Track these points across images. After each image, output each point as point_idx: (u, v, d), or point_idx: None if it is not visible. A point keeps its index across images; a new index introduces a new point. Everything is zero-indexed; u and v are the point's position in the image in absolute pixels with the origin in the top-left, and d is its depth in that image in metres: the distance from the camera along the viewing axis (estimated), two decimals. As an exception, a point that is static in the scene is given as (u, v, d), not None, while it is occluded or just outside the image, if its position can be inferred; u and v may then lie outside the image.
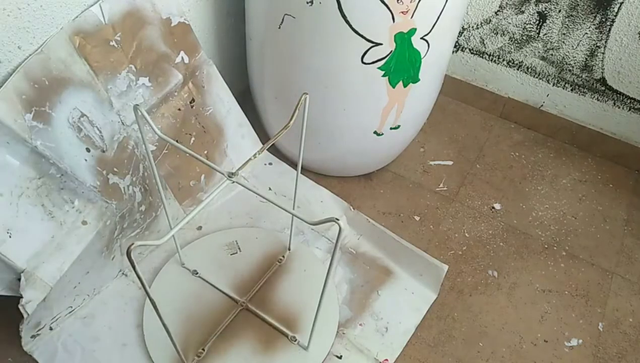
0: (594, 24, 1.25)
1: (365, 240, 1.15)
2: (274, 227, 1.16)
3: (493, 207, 1.29)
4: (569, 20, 1.28)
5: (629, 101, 1.34)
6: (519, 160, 1.42)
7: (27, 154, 0.82)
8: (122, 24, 0.91)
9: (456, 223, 1.24)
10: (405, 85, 1.03)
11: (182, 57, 1.03)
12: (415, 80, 1.04)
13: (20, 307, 0.85)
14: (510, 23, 1.37)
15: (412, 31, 0.94)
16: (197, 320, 0.98)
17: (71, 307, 0.97)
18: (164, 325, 0.72)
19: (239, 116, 1.21)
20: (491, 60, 1.46)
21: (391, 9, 0.88)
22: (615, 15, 1.21)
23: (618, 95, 1.34)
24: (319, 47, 0.97)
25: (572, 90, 1.40)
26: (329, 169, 1.29)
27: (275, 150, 1.32)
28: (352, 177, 1.32)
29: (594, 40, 1.28)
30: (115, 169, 0.95)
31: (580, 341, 1.05)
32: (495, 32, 1.40)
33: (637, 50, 1.24)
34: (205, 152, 1.15)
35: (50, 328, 0.95)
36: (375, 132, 1.13)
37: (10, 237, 0.81)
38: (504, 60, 1.44)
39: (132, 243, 0.56)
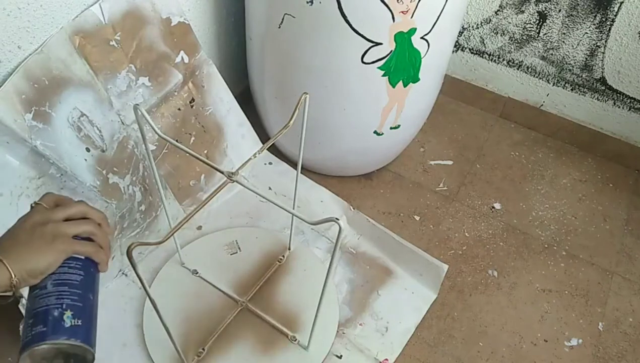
0: (594, 24, 1.25)
1: (365, 240, 1.15)
2: (274, 226, 1.16)
3: (493, 207, 1.29)
4: (569, 20, 1.28)
5: (629, 101, 1.34)
6: (519, 160, 1.42)
7: (26, 153, 0.82)
8: (122, 24, 0.91)
9: (456, 223, 1.24)
10: (405, 85, 1.03)
11: (182, 57, 1.03)
12: (415, 80, 1.04)
13: (20, 307, 0.85)
14: (510, 23, 1.37)
15: (412, 31, 0.94)
16: (197, 320, 0.98)
17: (71, 306, 0.97)
18: (164, 325, 0.72)
19: (239, 116, 1.21)
20: (491, 60, 1.46)
21: (391, 8, 0.88)
22: (615, 15, 1.21)
23: (618, 94, 1.34)
24: (319, 47, 0.97)
25: (572, 89, 1.40)
26: (329, 169, 1.29)
27: (275, 150, 1.32)
28: (352, 177, 1.32)
29: (594, 39, 1.28)
30: (115, 169, 0.95)
31: (580, 341, 1.05)
32: (495, 31, 1.40)
33: (637, 50, 1.24)
34: (205, 151, 1.15)
35: (50, 328, 0.94)
36: (375, 132, 1.13)
37: (10, 236, 0.81)
38: (504, 60, 1.44)
39: (132, 243, 0.56)
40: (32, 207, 0.51)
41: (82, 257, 0.50)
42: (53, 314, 0.45)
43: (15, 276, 0.42)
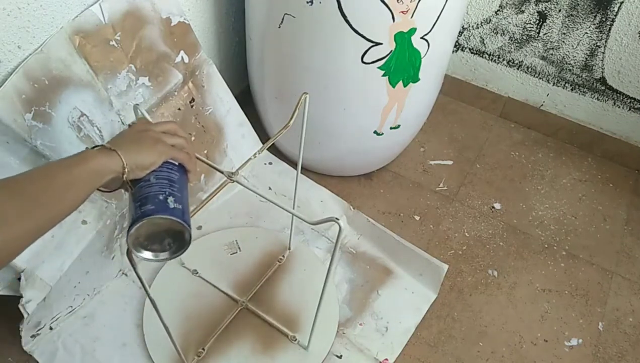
0: (594, 24, 1.25)
1: (365, 239, 1.15)
2: (274, 226, 1.16)
3: (493, 207, 1.29)
4: (569, 20, 1.28)
5: (629, 101, 1.34)
6: (519, 160, 1.42)
7: (26, 153, 0.82)
8: (122, 24, 0.91)
9: (456, 223, 1.24)
10: (405, 85, 1.03)
11: (182, 57, 1.03)
12: (415, 79, 1.04)
13: (20, 307, 0.85)
14: (510, 23, 1.37)
15: (412, 31, 0.94)
16: (197, 320, 0.98)
17: (71, 306, 0.97)
18: (164, 324, 0.72)
19: (239, 116, 1.21)
20: (491, 60, 1.46)
21: (391, 8, 0.88)
22: (615, 15, 1.21)
23: (618, 94, 1.34)
24: (319, 47, 0.97)
25: (572, 89, 1.40)
26: (329, 169, 1.29)
27: (275, 150, 1.32)
28: (352, 177, 1.32)
29: (594, 39, 1.28)
30: (115, 169, 0.95)
31: (580, 341, 1.05)
32: (495, 31, 1.40)
33: (637, 49, 1.24)
34: (205, 151, 1.15)
35: (51, 328, 0.95)
36: (375, 132, 1.13)
37: (10, 236, 0.81)
38: (504, 59, 1.44)
39: (132, 243, 0.56)
40: (129, 126, 0.59)
41: (177, 164, 0.57)
42: (159, 197, 0.52)
43: (127, 165, 0.50)
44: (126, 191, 0.54)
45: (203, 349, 0.94)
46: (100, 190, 0.52)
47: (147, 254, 0.54)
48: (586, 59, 1.32)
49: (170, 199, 0.52)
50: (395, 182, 1.32)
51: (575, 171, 1.40)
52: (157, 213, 0.51)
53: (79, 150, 0.89)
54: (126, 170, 0.50)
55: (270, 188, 1.24)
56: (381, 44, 0.94)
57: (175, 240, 0.54)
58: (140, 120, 0.60)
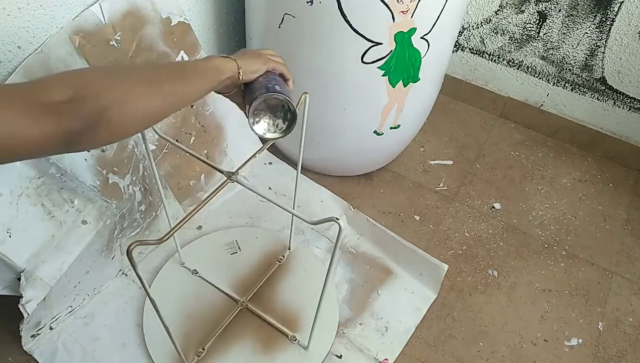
0: (594, 24, 1.25)
1: (365, 239, 1.15)
2: (274, 226, 1.16)
3: (493, 207, 1.29)
4: (569, 20, 1.28)
5: (629, 100, 1.34)
6: (519, 160, 1.42)
7: (27, 153, 0.81)
8: (122, 24, 0.91)
9: (456, 223, 1.24)
10: (405, 85, 1.03)
11: (182, 57, 1.03)
12: (415, 79, 1.04)
13: (20, 307, 0.85)
14: (510, 22, 1.37)
15: (412, 30, 0.94)
16: (197, 320, 0.98)
17: (71, 306, 0.97)
18: (164, 324, 0.72)
19: (239, 116, 1.21)
20: (491, 60, 1.46)
21: (391, 8, 0.88)
22: (615, 15, 1.21)
23: (618, 94, 1.34)
24: (319, 47, 0.97)
25: (572, 89, 1.40)
26: (329, 169, 1.29)
27: (275, 150, 1.32)
28: (352, 177, 1.32)
29: (594, 39, 1.28)
30: (115, 168, 0.95)
31: (580, 340, 1.05)
32: (495, 31, 1.40)
33: (637, 49, 1.24)
34: (205, 151, 1.15)
35: (51, 328, 0.95)
36: (375, 132, 1.13)
37: (10, 236, 0.81)
38: (504, 59, 1.44)
39: (133, 243, 0.56)
40: None
41: (277, 74, 0.69)
42: (267, 86, 0.64)
43: (240, 67, 0.63)
44: (236, 97, 0.69)
45: (203, 349, 0.94)
46: (219, 92, 0.67)
47: (264, 131, 0.68)
48: (586, 58, 1.32)
49: (277, 88, 0.65)
50: (395, 182, 1.32)
51: (575, 171, 1.40)
52: (270, 92, 0.63)
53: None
54: (240, 71, 0.63)
55: (270, 188, 1.24)
56: (381, 43, 0.94)
57: (283, 112, 0.66)
58: (242, 49, 0.73)
